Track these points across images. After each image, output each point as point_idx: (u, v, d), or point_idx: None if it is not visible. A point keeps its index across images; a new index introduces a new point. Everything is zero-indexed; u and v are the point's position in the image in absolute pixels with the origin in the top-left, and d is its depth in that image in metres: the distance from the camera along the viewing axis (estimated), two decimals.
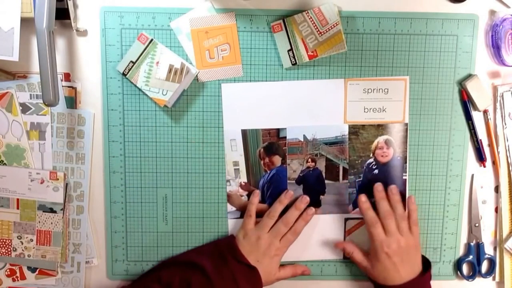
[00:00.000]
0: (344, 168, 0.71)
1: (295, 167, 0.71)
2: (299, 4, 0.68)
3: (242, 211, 0.72)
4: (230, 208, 0.72)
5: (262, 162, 0.71)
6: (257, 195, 0.71)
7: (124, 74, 0.67)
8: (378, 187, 0.70)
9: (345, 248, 0.71)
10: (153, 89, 0.67)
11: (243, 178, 0.72)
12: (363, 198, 0.70)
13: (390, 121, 0.70)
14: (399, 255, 0.67)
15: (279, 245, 0.68)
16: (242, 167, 0.71)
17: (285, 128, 0.70)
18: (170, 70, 0.67)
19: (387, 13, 0.69)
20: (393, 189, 0.70)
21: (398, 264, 0.66)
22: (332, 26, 0.67)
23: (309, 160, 0.71)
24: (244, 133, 0.70)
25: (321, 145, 0.70)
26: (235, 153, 0.71)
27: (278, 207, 0.70)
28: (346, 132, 0.70)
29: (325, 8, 0.67)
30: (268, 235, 0.68)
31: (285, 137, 0.70)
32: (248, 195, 0.72)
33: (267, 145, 0.71)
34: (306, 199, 0.70)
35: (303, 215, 0.70)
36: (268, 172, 0.71)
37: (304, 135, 0.70)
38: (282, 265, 0.71)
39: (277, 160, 0.71)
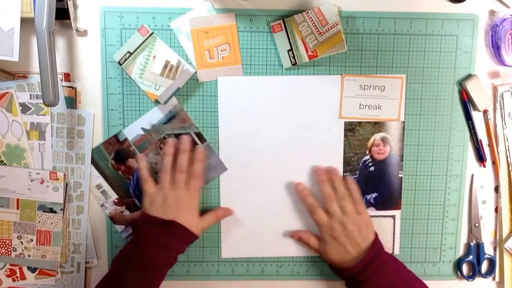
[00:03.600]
0: (196, 133, 0.70)
1: (154, 160, 0.70)
2: (299, 4, 0.68)
3: (132, 225, 0.71)
4: (120, 228, 0.72)
5: (120, 172, 0.71)
6: (142, 158, 0.69)
7: (119, 64, 0.67)
8: (318, 170, 0.70)
9: (301, 237, 0.70)
10: (146, 82, 0.67)
11: (114, 196, 0.71)
12: (300, 186, 0.70)
13: (386, 118, 0.70)
14: (345, 236, 0.65)
15: (187, 194, 0.65)
16: (107, 187, 0.71)
17: (121, 131, 0.70)
18: (165, 66, 0.67)
19: (387, 13, 0.69)
20: (333, 170, 0.70)
21: (347, 245, 0.65)
22: (332, 26, 0.67)
23: (161, 146, 0.70)
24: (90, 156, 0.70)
25: (162, 127, 0.70)
26: (93, 178, 0.71)
27: (167, 159, 0.67)
28: (176, 102, 0.69)
29: (325, 8, 0.67)
30: (170, 189, 0.65)
31: (126, 139, 0.70)
32: (128, 208, 0.71)
33: (115, 154, 0.70)
34: (187, 139, 0.68)
35: (194, 156, 0.67)
36: (131, 177, 0.71)
37: (142, 128, 0.69)
38: (202, 214, 0.68)
39: (133, 162, 0.70)
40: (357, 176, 0.72)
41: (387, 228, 0.73)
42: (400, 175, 0.72)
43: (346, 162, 0.71)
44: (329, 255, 0.67)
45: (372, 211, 0.72)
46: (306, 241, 0.70)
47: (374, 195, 0.72)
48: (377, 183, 0.72)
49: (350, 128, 0.70)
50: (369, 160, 0.71)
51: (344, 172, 0.72)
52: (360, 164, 0.71)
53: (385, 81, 0.70)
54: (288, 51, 0.68)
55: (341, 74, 0.70)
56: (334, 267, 0.68)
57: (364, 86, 0.70)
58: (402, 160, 0.72)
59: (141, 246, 0.63)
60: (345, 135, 0.71)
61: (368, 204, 0.72)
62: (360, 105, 0.70)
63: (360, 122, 0.71)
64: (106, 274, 0.64)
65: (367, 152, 0.71)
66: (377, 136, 0.71)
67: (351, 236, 0.65)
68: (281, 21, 0.68)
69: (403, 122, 0.71)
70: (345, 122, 0.70)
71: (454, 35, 0.70)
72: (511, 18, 0.69)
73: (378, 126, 0.71)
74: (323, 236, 0.68)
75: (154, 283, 0.63)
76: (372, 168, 0.71)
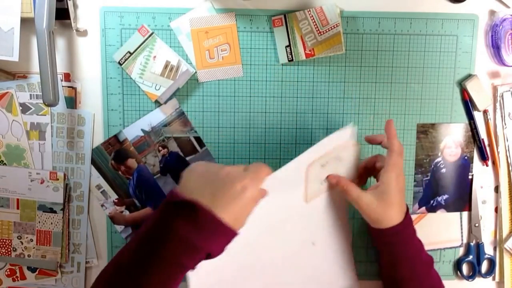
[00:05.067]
0: (195, 138, 0.70)
1: (152, 162, 0.71)
2: (299, 5, 0.68)
3: (131, 225, 0.71)
4: (120, 228, 0.72)
5: (119, 172, 0.71)
6: None
7: (119, 64, 0.67)
8: (390, 125, 0.62)
9: (339, 181, 0.62)
10: (146, 82, 0.67)
11: (114, 196, 0.71)
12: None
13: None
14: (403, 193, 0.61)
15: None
16: (106, 187, 0.71)
17: (121, 131, 0.70)
18: (166, 66, 0.67)
19: (387, 13, 0.69)
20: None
21: (400, 203, 0.60)
22: (332, 27, 0.67)
23: (160, 148, 0.70)
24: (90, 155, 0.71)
25: (162, 129, 0.70)
26: (93, 178, 0.71)
27: None
28: (178, 105, 0.69)
29: (327, 8, 0.67)
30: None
31: (126, 139, 0.70)
32: (128, 208, 0.71)
33: (115, 155, 0.70)
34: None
35: None
36: (131, 177, 0.71)
37: (141, 129, 0.70)
38: None
39: (132, 163, 0.70)
40: (428, 178, 0.72)
41: (455, 221, 0.73)
42: (469, 177, 0.73)
43: (418, 164, 0.72)
44: (378, 211, 0.59)
45: (442, 213, 0.73)
46: (344, 186, 0.61)
47: (445, 197, 0.72)
48: (448, 185, 0.72)
49: (423, 131, 0.71)
50: (441, 162, 0.72)
51: (415, 174, 0.72)
52: (432, 166, 0.72)
53: (339, 150, 0.63)
54: (286, 47, 0.68)
55: (306, 170, 0.61)
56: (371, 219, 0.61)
57: (324, 164, 0.63)
58: (472, 162, 0.72)
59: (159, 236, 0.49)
60: (418, 137, 0.71)
61: (439, 206, 0.72)
62: (321, 182, 0.64)
63: (433, 124, 0.71)
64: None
65: (439, 154, 0.72)
66: (449, 138, 0.71)
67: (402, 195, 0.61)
68: (282, 16, 0.68)
69: (473, 123, 0.71)
70: (417, 125, 0.71)
71: (454, 35, 0.70)
72: (511, 18, 0.69)
73: (449, 128, 0.71)
74: (386, 188, 0.59)
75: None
76: (444, 170, 0.72)
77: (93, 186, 0.71)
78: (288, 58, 0.68)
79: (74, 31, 0.68)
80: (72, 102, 0.70)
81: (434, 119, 0.71)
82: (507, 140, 0.72)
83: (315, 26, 0.67)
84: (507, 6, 0.70)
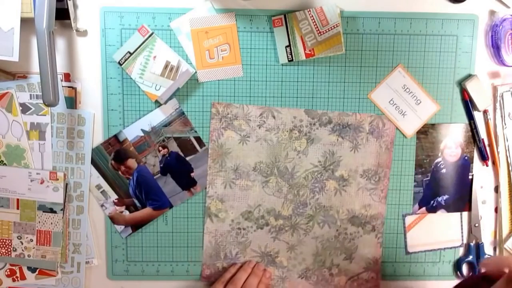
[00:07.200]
0: (195, 138, 0.70)
1: (152, 162, 0.71)
2: (299, 5, 0.68)
3: (131, 225, 0.72)
4: (120, 228, 0.72)
5: (119, 172, 0.71)
6: (235, 266, 0.72)
7: (119, 64, 0.67)
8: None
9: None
10: (146, 82, 0.67)
11: (113, 196, 0.71)
12: None
13: (399, 127, 0.70)
14: None
15: None
16: (106, 187, 0.71)
17: (121, 131, 0.70)
18: (166, 66, 0.67)
19: (387, 13, 0.69)
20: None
21: None
22: (332, 27, 0.67)
23: (160, 148, 0.70)
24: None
25: (162, 129, 0.70)
26: (93, 178, 0.71)
27: (242, 275, 0.70)
28: (177, 105, 0.70)
29: (327, 8, 0.67)
30: None
31: (126, 139, 0.70)
32: (127, 208, 0.71)
33: (115, 155, 0.70)
34: (262, 266, 0.73)
35: (262, 279, 0.71)
36: (131, 177, 0.71)
37: (141, 129, 0.69)
38: None
39: (132, 163, 0.70)
40: (428, 178, 0.72)
41: (455, 222, 0.74)
42: (470, 177, 0.73)
43: (418, 165, 0.72)
44: None
45: (442, 213, 0.73)
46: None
47: (445, 197, 0.72)
48: (448, 185, 0.72)
49: (423, 131, 0.71)
50: (441, 162, 0.72)
51: (415, 174, 0.72)
52: (432, 167, 0.72)
53: (424, 97, 0.70)
54: (286, 47, 0.68)
55: (398, 64, 0.69)
56: None
57: (407, 88, 0.69)
58: (472, 162, 0.72)
59: None
60: (418, 138, 0.71)
61: (439, 206, 0.72)
62: (391, 100, 0.70)
63: (433, 124, 0.71)
64: None
65: (440, 155, 0.72)
66: (449, 139, 0.71)
67: None
68: (282, 16, 0.68)
69: (473, 123, 0.71)
70: None
71: (454, 35, 0.70)
72: (511, 18, 0.69)
73: (449, 128, 0.71)
74: None
75: None
76: (444, 170, 0.72)
77: (93, 186, 0.71)
78: (288, 58, 0.68)
79: (74, 31, 0.68)
80: (72, 102, 0.70)
81: (434, 119, 0.71)
82: (507, 140, 0.72)
83: (315, 26, 0.67)
84: (507, 6, 0.70)
